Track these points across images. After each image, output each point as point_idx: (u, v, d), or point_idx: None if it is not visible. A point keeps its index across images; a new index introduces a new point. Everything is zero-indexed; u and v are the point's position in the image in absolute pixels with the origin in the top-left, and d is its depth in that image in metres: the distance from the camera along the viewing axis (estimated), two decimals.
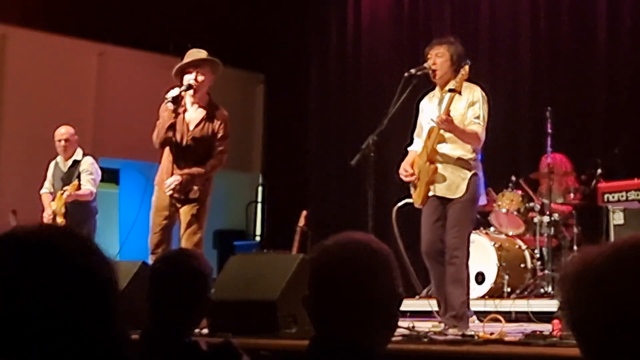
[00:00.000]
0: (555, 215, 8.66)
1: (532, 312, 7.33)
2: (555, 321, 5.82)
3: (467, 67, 6.20)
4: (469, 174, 6.17)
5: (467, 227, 6.21)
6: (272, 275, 5.93)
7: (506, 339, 5.28)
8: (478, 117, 6.18)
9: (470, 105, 6.21)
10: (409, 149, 6.66)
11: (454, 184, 6.18)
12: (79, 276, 1.31)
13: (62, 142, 8.69)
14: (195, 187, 7.00)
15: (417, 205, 6.42)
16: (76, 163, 8.70)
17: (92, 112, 11.40)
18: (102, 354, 1.31)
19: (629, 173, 7.96)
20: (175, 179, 6.97)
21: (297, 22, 12.81)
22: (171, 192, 6.99)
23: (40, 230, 1.37)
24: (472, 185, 6.16)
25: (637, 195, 6.78)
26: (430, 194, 6.24)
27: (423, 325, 6.23)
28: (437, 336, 5.48)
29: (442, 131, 6.19)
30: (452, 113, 6.13)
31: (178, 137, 7.01)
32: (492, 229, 9.12)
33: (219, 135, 7.02)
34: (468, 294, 6.18)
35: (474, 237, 8.80)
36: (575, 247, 8.68)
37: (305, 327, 5.20)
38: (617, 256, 1.52)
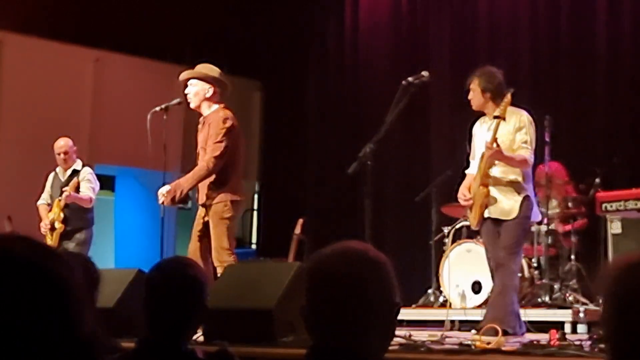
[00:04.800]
0: (553, 224, 8.65)
1: (529, 322, 7.31)
2: (553, 331, 5.81)
3: (509, 95, 6.48)
4: (521, 197, 6.52)
5: (515, 246, 6.56)
6: (268, 283, 5.90)
7: (504, 348, 5.25)
8: (526, 142, 6.50)
9: (517, 130, 6.52)
10: (466, 172, 6.91)
11: (507, 206, 6.53)
12: (34, 278, 1.30)
13: (62, 155, 8.83)
14: (182, 193, 6.94)
15: (473, 226, 6.91)
16: (75, 172, 8.81)
17: (88, 119, 11.39)
18: (64, 356, 1.30)
19: (627, 182, 7.95)
20: (164, 187, 7.00)
21: (295, 29, 12.81)
22: (161, 200, 6.99)
23: None
24: (524, 208, 6.51)
25: (636, 204, 6.77)
26: (486, 215, 6.59)
27: (420, 334, 6.21)
28: (434, 345, 5.45)
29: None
30: (500, 139, 6.45)
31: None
32: None
33: (209, 135, 6.99)
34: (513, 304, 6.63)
35: (471, 246, 8.81)
36: (572, 257, 8.66)
37: (302, 336, 5.18)
38: None
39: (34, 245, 1.36)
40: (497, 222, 6.60)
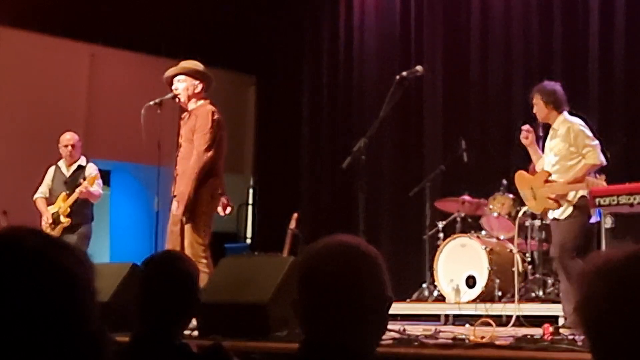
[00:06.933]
0: (546, 219, 8.67)
1: (523, 316, 7.34)
2: (546, 325, 5.83)
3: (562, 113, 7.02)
4: (577, 196, 6.84)
5: (569, 243, 6.82)
6: (262, 277, 5.91)
7: (497, 342, 5.28)
8: (586, 146, 6.86)
9: (574, 139, 6.90)
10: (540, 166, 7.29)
11: (561, 206, 6.89)
12: (45, 271, 1.30)
13: (69, 148, 8.80)
14: (190, 199, 7.02)
15: (536, 212, 7.73)
16: (81, 168, 8.81)
17: (83, 113, 11.37)
18: (74, 352, 1.29)
19: (620, 177, 7.96)
20: (173, 205, 7.11)
21: (289, 24, 12.81)
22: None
23: (8, 229, 1.36)
24: (579, 207, 6.83)
25: (628, 199, 6.78)
26: (550, 215, 7.06)
27: (414, 329, 6.23)
28: (427, 339, 5.47)
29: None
30: (556, 148, 6.94)
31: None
32: (483, 232, 9.13)
33: (196, 128, 7.05)
34: None
35: (465, 240, 8.84)
36: None
37: (295, 330, 5.19)
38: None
39: (45, 238, 1.35)
40: (557, 221, 6.97)
